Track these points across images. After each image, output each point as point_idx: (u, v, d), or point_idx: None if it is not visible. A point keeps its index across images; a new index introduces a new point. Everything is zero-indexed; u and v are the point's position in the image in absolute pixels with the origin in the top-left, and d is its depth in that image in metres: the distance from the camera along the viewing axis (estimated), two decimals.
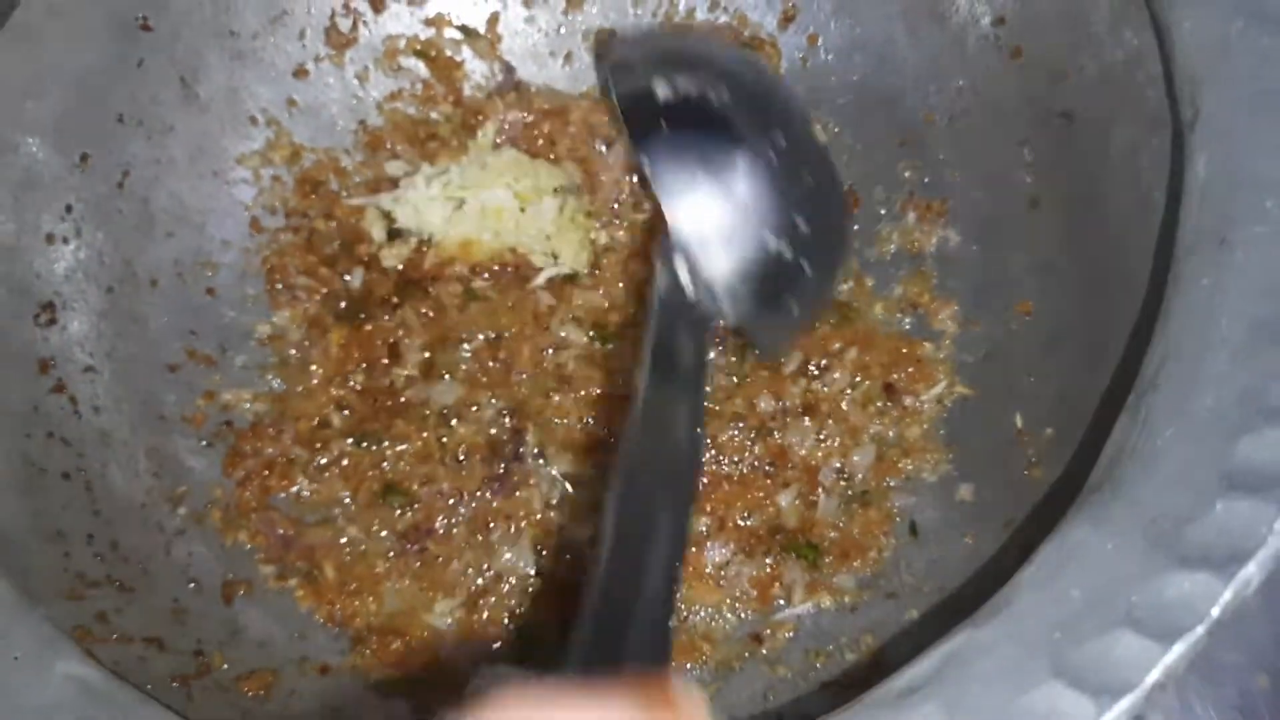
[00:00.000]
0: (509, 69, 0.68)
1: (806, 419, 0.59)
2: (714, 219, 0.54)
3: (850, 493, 0.58)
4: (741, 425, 0.59)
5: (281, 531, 0.58)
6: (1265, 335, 0.37)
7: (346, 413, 0.61)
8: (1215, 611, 0.32)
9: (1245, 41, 0.41)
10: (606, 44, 0.67)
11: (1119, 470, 0.37)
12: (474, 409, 0.60)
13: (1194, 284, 0.39)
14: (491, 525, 0.58)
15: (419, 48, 0.67)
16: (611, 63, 0.62)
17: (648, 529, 0.41)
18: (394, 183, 0.65)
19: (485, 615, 0.56)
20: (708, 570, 0.57)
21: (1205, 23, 0.43)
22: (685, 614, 0.56)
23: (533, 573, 0.57)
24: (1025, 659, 0.34)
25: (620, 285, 0.63)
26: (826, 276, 0.59)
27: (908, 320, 0.62)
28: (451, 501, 0.59)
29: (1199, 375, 0.37)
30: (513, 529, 0.58)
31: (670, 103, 0.55)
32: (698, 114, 0.56)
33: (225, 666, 0.52)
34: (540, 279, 0.63)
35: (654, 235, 0.61)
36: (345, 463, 0.60)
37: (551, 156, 0.65)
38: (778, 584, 0.56)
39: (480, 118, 0.66)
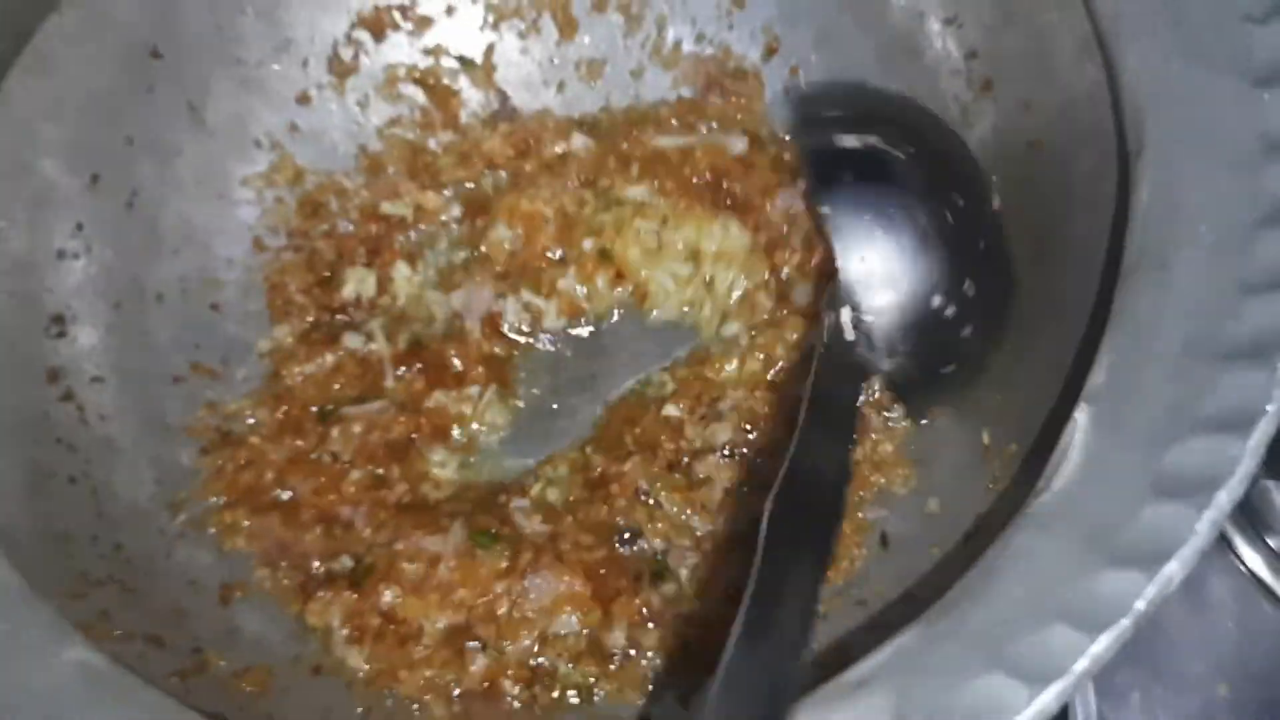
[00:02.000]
0: (504, 97, 0.71)
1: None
2: (883, 271, 0.57)
3: None
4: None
5: (277, 538, 0.60)
6: (1195, 352, 0.39)
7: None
8: (1140, 605, 0.35)
9: (1183, 79, 0.44)
10: (792, 91, 0.68)
11: (1061, 479, 0.40)
12: None
13: (1135, 303, 0.42)
14: None
15: (418, 76, 0.70)
16: (799, 110, 0.65)
17: (791, 570, 0.42)
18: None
19: None
20: None
21: (1148, 62, 0.46)
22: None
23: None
24: (968, 652, 0.36)
25: None
26: (986, 343, 0.59)
27: None
28: None
29: (1136, 390, 0.40)
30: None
31: (854, 154, 0.59)
32: (880, 168, 0.59)
33: (222, 664, 0.54)
34: None
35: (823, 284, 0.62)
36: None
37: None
38: None
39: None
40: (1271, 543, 0.64)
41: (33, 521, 0.52)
